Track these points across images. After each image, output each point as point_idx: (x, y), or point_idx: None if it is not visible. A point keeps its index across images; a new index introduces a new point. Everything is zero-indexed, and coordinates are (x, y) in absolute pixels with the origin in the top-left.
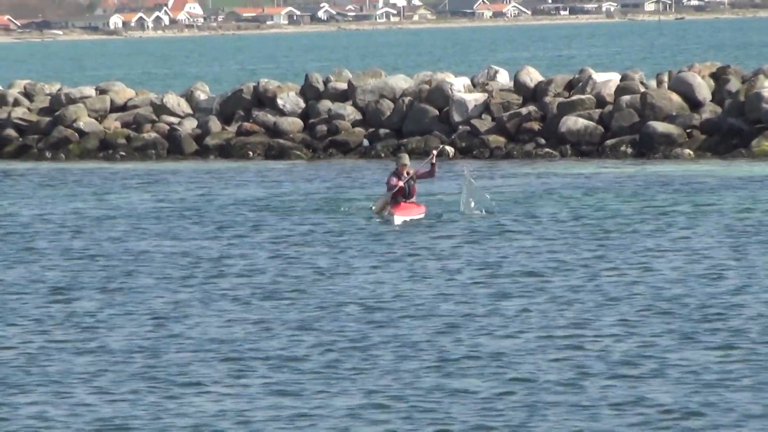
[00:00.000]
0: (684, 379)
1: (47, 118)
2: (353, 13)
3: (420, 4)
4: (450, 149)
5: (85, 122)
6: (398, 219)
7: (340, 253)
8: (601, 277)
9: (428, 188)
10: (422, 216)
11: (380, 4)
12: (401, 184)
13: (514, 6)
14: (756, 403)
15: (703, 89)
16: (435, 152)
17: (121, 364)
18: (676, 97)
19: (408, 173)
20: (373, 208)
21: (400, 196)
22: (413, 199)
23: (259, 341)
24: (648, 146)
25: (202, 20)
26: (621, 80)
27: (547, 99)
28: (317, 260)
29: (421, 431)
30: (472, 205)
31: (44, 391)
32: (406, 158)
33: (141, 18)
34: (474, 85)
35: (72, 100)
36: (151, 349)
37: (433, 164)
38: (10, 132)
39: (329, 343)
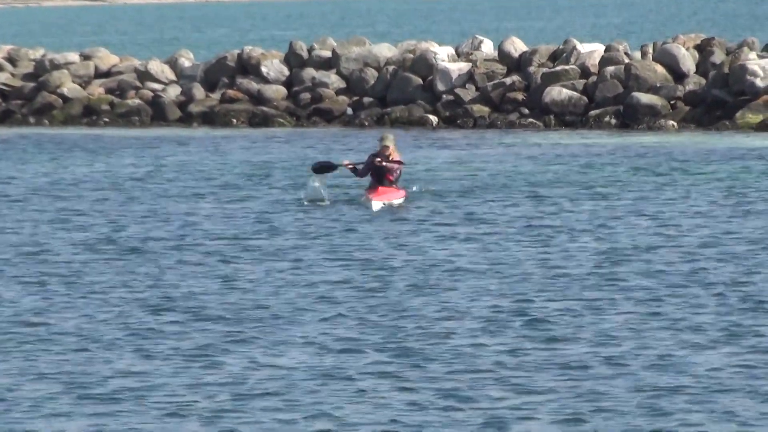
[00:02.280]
0: (674, 349)
1: (31, 84)
2: None
3: None
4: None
5: (69, 88)
6: (376, 204)
7: (321, 219)
8: (585, 244)
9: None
10: (402, 201)
11: None
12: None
13: None
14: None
15: (688, 61)
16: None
17: (105, 323)
18: (660, 69)
19: (390, 155)
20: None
21: (378, 180)
22: (392, 183)
23: (252, 306)
24: (632, 117)
25: None
26: (605, 51)
27: (532, 69)
28: (298, 226)
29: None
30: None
31: (37, 350)
32: (389, 139)
33: None
34: (458, 55)
35: (56, 66)
36: (137, 312)
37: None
38: None
39: (316, 309)
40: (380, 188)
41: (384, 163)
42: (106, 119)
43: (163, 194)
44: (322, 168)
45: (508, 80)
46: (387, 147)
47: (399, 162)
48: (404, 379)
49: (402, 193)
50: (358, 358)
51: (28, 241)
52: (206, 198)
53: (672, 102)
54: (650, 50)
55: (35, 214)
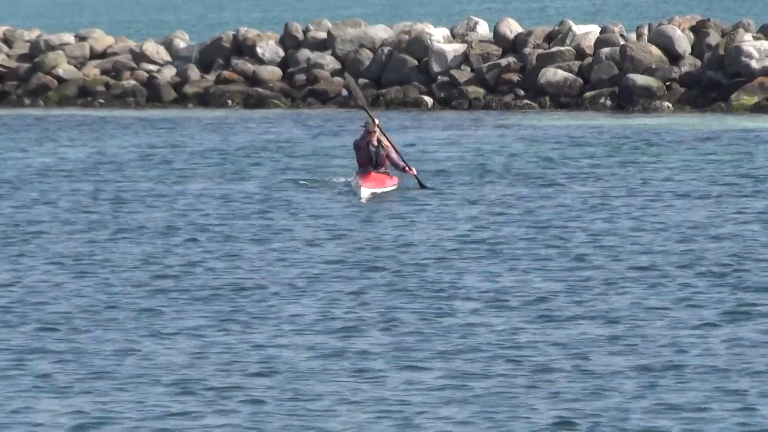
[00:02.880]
0: (663, 332)
1: (26, 65)
2: None
3: None
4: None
5: (65, 69)
6: (365, 191)
7: (316, 200)
8: (580, 225)
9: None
10: (394, 187)
11: None
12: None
13: None
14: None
15: (683, 42)
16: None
17: (102, 303)
18: (655, 50)
19: (378, 140)
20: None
21: (369, 166)
22: (383, 169)
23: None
24: (627, 99)
25: None
26: (601, 32)
27: (527, 50)
28: (294, 206)
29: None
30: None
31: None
32: (374, 123)
33: None
34: (453, 36)
35: (51, 47)
36: (134, 292)
37: (409, 169)
38: None
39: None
40: (372, 174)
41: (384, 147)
42: (102, 100)
43: (158, 175)
44: (354, 91)
45: (503, 61)
46: (373, 132)
47: (391, 156)
48: (407, 358)
49: (394, 180)
50: (358, 338)
51: (25, 222)
52: (201, 179)
53: (667, 83)
54: (645, 31)
55: (30, 195)
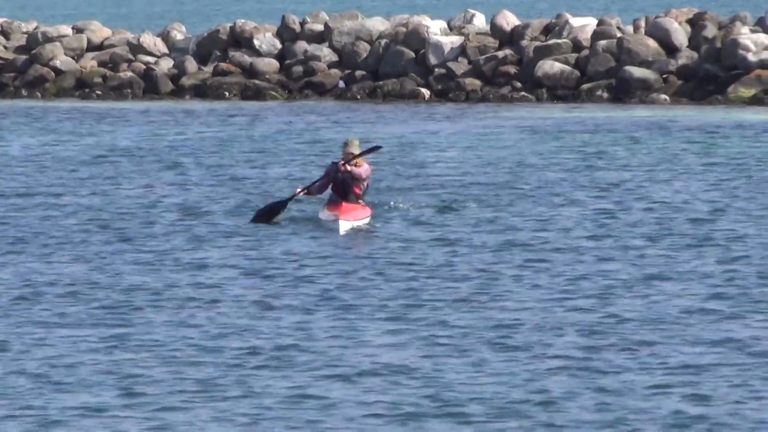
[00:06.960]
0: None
1: (23, 57)
2: None
3: None
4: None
5: (62, 61)
6: (344, 224)
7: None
8: (574, 221)
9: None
10: (368, 220)
11: None
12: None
13: None
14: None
15: (680, 35)
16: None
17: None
18: (652, 43)
19: (356, 163)
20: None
21: (338, 195)
22: (358, 200)
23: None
24: (624, 91)
25: None
26: (598, 25)
27: (524, 43)
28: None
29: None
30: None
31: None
32: (354, 144)
33: None
34: (450, 29)
35: (48, 39)
36: (120, 285)
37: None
38: None
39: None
40: (344, 204)
41: (350, 169)
42: (99, 92)
43: (154, 167)
44: (270, 213)
45: (500, 54)
46: (352, 154)
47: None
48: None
49: (368, 211)
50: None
51: (13, 215)
52: (199, 170)
53: (664, 76)
54: (642, 24)
55: (25, 187)
